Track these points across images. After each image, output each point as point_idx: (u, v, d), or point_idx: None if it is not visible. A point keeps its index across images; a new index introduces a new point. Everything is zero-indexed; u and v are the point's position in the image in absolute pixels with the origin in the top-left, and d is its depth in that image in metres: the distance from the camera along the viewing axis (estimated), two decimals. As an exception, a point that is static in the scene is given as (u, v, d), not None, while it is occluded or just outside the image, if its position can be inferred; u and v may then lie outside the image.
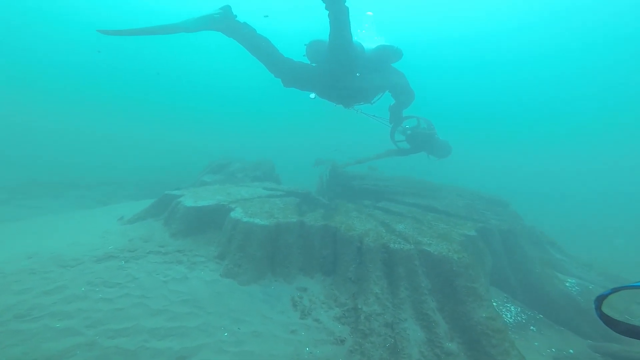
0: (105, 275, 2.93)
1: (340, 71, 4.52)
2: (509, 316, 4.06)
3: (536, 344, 3.53)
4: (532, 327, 3.85)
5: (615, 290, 0.89)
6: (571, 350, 3.46)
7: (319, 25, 4.48)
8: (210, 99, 42.27)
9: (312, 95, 4.95)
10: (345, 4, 3.89)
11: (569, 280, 4.51)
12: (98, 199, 6.68)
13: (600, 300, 0.92)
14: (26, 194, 6.38)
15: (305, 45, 4.91)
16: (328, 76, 4.60)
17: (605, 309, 0.92)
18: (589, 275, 4.71)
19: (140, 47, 32.56)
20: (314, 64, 4.85)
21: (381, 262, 3.39)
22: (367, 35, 6.06)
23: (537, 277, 4.22)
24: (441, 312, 3.10)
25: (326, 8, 3.92)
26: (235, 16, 4.33)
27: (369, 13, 6.45)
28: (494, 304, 4.17)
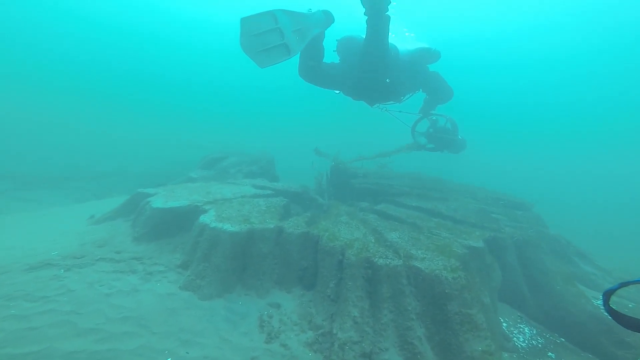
0: (31, 286, 2.64)
1: (371, 77, 4.36)
2: (521, 339, 3.48)
3: (554, 377, 2.96)
4: (550, 354, 3.25)
5: (623, 284, 0.89)
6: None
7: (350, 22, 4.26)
8: (224, 97, 43.00)
9: (337, 91, 4.87)
10: (387, 12, 3.75)
11: (601, 298, 3.82)
12: (95, 192, 6.64)
13: (608, 294, 0.93)
14: (23, 185, 6.45)
15: (337, 40, 4.75)
16: (357, 79, 4.46)
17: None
18: (629, 290, 3.97)
19: (141, 43, 32.99)
20: (340, 60, 4.69)
21: (363, 280, 2.93)
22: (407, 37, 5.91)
23: (559, 295, 3.57)
24: (429, 341, 2.62)
25: (365, 14, 3.77)
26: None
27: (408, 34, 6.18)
28: (504, 324, 3.61)
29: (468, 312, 2.53)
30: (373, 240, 3.39)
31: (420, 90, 5.28)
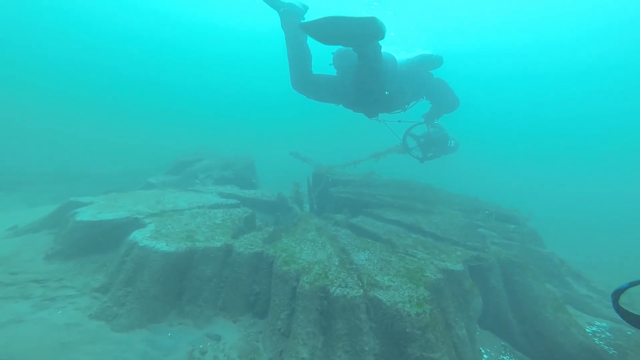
0: None
1: (368, 91, 4.23)
2: None
3: None
4: None
5: (633, 284, 0.89)
6: None
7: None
8: (216, 99, 42.41)
9: (338, 105, 4.79)
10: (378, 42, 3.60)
11: (597, 324, 3.40)
12: (56, 195, 6.22)
13: (617, 294, 0.93)
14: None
15: (332, 53, 4.60)
16: (355, 93, 4.34)
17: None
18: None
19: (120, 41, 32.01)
20: (338, 74, 4.59)
21: (317, 313, 2.52)
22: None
23: (548, 324, 3.14)
24: (389, 392, 2.20)
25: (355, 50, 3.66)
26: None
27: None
28: (485, 356, 3.19)
29: (430, 357, 2.11)
30: (337, 263, 2.98)
31: (425, 98, 5.06)
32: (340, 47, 4.46)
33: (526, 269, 3.41)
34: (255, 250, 3.01)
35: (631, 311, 0.92)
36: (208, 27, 30.35)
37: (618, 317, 3.22)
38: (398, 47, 4.63)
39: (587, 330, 3.01)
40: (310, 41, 4.22)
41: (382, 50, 4.24)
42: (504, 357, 3.22)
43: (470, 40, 25.74)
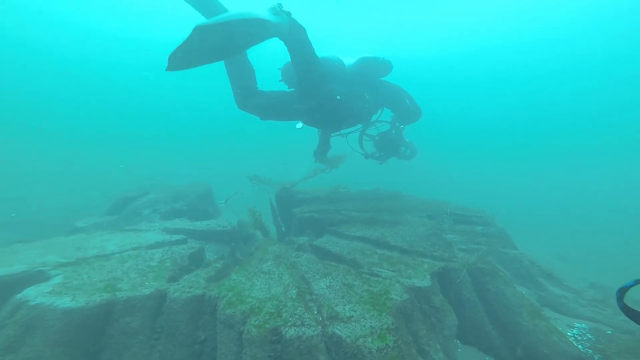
0: None
1: (317, 95, 3.93)
2: None
3: None
4: None
5: (638, 281, 0.89)
6: None
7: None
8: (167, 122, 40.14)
9: (299, 126, 4.52)
10: (298, 22, 3.42)
11: (576, 325, 3.24)
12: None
13: (622, 291, 0.94)
14: None
15: (279, 69, 4.42)
16: (307, 102, 4.02)
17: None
18: (604, 314, 3.43)
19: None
20: (292, 89, 4.32)
21: (269, 360, 2.14)
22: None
23: (527, 334, 2.93)
24: None
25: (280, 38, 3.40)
26: None
27: None
28: None
29: (401, 403, 1.79)
30: (294, 296, 2.62)
31: (386, 107, 4.91)
32: (287, 61, 4.28)
33: (496, 276, 3.23)
34: (194, 293, 2.58)
35: (635, 309, 0.91)
36: (141, 42, 28.97)
37: (595, 316, 3.07)
38: (344, 53, 4.49)
39: (568, 334, 2.83)
40: (254, 55, 3.99)
41: (328, 54, 4.12)
42: None
43: (427, 45, 26.88)
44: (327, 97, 3.93)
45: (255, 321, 2.28)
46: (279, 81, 4.49)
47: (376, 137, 5.04)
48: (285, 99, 4.11)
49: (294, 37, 3.41)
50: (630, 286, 0.92)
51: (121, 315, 2.35)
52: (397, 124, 5.02)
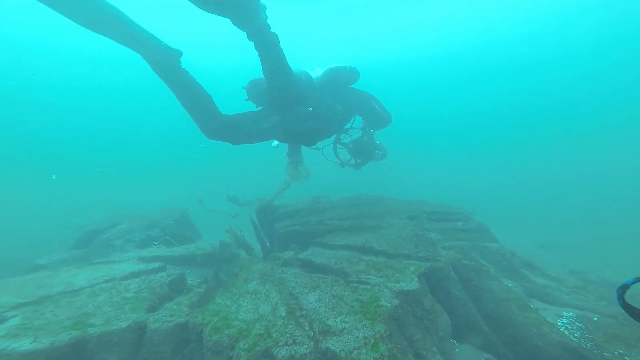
0: None
1: (290, 111, 3.83)
2: None
3: None
4: None
5: (638, 279, 0.90)
6: None
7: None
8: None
9: (275, 144, 4.40)
10: (271, 30, 3.24)
11: (565, 314, 3.31)
12: None
13: (623, 289, 0.93)
14: None
15: (243, 88, 4.17)
16: (279, 120, 3.88)
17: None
18: (588, 300, 3.54)
19: None
20: (259, 107, 4.11)
21: (261, 387, 2.02)
22: None
23: (520, 327, 2.96)
24: None
25: (249, 38, 3.22)
26: (180, 63, 3.46)
27: None
28: None
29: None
30: (284, 314, 2.51)
31: (357, 115, 4.89)
32: (250, 79, 4.15)
33: (481, 271, 3.28)
34: (176, 322, 2.43)
35: (636, 306, 0.91)
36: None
37: (580, 303, 3.15)
38: (310, 64, 4.51)
39: (558, 324, 2.88)
40: (209, 77, 3.84)
41: (294, 68, 4.07)
42: None
43: (393, 47, 27.59)
44: (301, 108, 3.89)
45: (244, 345, 2.17)
46: (245, 100, 4.24)
47: (350, 145, 5.06)
48: (256, 118, 3.91)
49: (269, 39, 3.24)
50: (631, 284, 0.92)
51: (96, 352, 2.16)
52: (367, 129, 5.07)
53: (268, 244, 5.78)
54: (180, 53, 3.41)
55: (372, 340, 2.06)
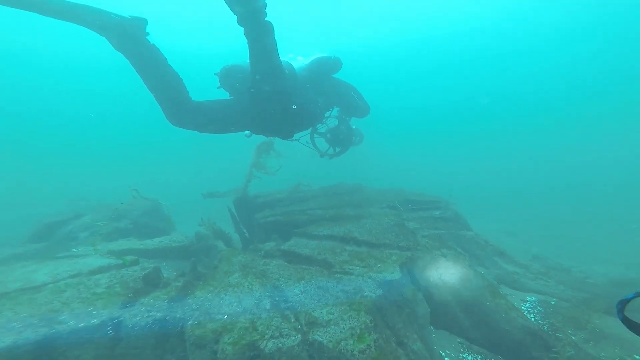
0: None
1: (271, 105, 3.54)
2: None
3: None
4: None
5: (638, 294, 0.90)
6: None
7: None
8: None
9: (248, 134, 4.12)
10: (266, 18, 2.90)
11: (528, 299, 3.56)
12: None
13: (623, 304, 0.92)
14: None
15: (215, 74, 3.82)
16: (257, 113, 3.60)
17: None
18: (549, 285, 3.82)
19: None
20: (232, 97, 3.81)
21: (248, 380, 1.99)
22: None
23: (491, 313, 3.15)
24: None
25: (239, 23, 2.88)
26: (147, 34, 3.03)
27: None
28: (446, 358, 3.04)
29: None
30: (268, 307, 2.48)
31: (336, 105, 4.77)
32: (224, 66, 3.80)
33: (458, 259, 3.42)
34: (155, 317, 2.32)
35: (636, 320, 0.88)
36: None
37: (541, 288, 3.38)
38: (294, 54, 4.35)
39: (522, 308, 3.08)
40: (189, 60, 3.51)
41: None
42: (464, 355, 3.11)
43: (363, 39, 27.50)
44: (285, 103, 3.69)
45: (229, 338, 2.11)
46: (217, 88, 3.96)
47: (328, 135, 4.99)
48: (230, 108, 3.62)
49: (263, 26, 2.93)
50: (631, 298, 0.91)
51: (68, 349, 2.01)
52: (344, 117, 5.02)
53: (247, 235, 5.67)
54: (144, 20, 3.01)
55: (358, 331, 2.08)
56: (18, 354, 1.94)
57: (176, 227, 6.20)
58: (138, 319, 2.29)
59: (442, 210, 5.11)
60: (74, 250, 3.68)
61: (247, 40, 3.04)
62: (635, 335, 0.89)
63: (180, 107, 3.24)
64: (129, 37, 2.89)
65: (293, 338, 2.09)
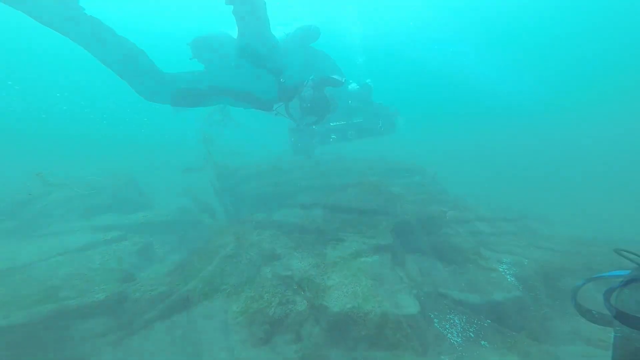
0: None
1: (259, 79, 3.39)
2: (455, 334, 3.23)
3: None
4: (482, 342, 3.08)
5: (589, 280, 0.93)
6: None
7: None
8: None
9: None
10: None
11: (504, 260, 3.91)
12: None
13: (575, 290, 0.96)
14: None
15: (188, 44, 3.53)
16: (241, 86, 3.44)
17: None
18: (520, 246, 4.20)
19: None
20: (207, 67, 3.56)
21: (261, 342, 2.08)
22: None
23: (474, 276, 3.45)
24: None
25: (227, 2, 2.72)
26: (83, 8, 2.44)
27: None
28: (435, 320, 3.32)
29: (397, 356, 1.95)
30: (270, 276, 2.55)
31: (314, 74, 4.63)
32: (197, 36, 3.65)
33: (442, 222, 3.65)
34: (159, 290, 2.31)
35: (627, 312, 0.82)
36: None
37: (514, 249, 3.68)
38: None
39: (500, 269, 3.39)
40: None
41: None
42: (450, 316, 3.38)
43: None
44: (274, 77, 3.54)
45: (237, 307, 2.18)
46: (190, 59, 3.68)
47: (307, 104, 4.88)
48: (208, 81, 3.44)
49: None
50: (582, 285, 0.92)
51: (79, 323, 1.99)
52: (318, 86, 4.91)
53: (232, 209, 5.61)
54: None
55: (362, 295, 2.22)
56: (31, 328, 1.91)
57: (154, 201, 6.00)
58: (141, 293, 2.28)
59: (422, 175, 5.34)
60: (52, 227, 3.46)
61: (236, 17, 2.89)
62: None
63: (150, 79, 3.02)
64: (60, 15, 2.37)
65: (299, 304, 2.19)
